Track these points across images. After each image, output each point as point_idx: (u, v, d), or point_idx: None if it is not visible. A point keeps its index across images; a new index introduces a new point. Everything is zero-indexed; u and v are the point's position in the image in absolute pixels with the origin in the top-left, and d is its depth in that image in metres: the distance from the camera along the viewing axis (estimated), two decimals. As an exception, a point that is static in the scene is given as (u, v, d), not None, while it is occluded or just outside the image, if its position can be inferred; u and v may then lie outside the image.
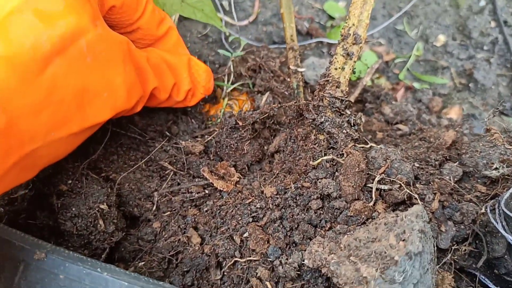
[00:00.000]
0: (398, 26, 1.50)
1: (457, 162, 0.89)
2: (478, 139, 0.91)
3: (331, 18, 1.47)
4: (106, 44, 0.71)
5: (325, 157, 0.85)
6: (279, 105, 0.99)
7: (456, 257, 0.85)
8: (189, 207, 0.95)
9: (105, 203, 0.86)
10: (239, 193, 0.93)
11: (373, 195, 0.80)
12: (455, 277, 0.86)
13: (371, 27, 1.49)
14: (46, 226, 0.83)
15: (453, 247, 0.84)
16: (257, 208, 0.86)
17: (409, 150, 0.98)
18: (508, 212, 0.77)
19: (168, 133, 1.09)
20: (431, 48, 1.47)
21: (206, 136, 1.07)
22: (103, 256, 0.85)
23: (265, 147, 1.06)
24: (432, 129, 1.10)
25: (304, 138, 0.97)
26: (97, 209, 0.85)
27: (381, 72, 1.42)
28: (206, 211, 0.93)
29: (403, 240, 0.67)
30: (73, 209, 0.83)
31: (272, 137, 1.07)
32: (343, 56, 0.91)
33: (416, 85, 1.38)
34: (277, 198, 0.86)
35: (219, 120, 1.13)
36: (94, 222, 0.84)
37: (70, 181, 0.87)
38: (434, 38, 1.47)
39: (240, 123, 0.99)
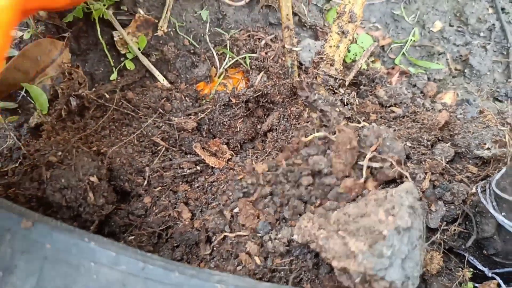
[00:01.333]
0: (395, 11, 1.49)
1: (449, 143, 0.89)
2: (471, 121, 0.91)
3: (329, 0, 1.46)
4: None
5: (317, 134, 0.85)
6: (272, 82, 0.99)
7: (445, 237, 0.86)
8: (180, 182, 0.95)
9: (95, 176, 0.86)
10: (231, 170, 0.93)
11: (364, 173, 0.80)
12: (444, 257, 0.87)
13: (368, 11, 1.48)
14: (35, 197, 0.82)
15: (442, 227, 0.85)
16: (248, 184, 0.86)
17: (401, 130, 0.97)
18: (498, 192, 0.77)
19: (161, 110, 1.08)
20: (428, 34, 1.46)
21: (199, 114, 1.06)
22: (91, 228, 0.84)
23: (258, 126, 1.05)
24: (426, 112, 1.10)
25: (297, 116, 0.97)
26: (87, 181, 0.84)
27: (377, 56, 1.41)
28: (198, 187, 0.93)
29: (392, 215, 0.67)
30: (63, 180, 0.82)
31: (265, 116, 1.07)
32: (338, 34, 0.90)
33: (411, 70, 1.37)
34: (268, 174, 0.86)
35: (211, 96, 1.12)
36: (84, 194, 0.84)
37: (60, 153, 0.86)
38: (431, 23, 1.47)
39: (234, 100, 0.99)
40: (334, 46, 0.90)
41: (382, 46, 1.44)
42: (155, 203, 0.92)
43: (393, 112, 1.11)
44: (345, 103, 0.91)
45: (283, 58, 1.09)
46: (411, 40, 1.44)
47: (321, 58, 0.90)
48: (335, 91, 0.91)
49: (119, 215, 0.92)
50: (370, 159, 0.82)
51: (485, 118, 0.88)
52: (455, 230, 0.84)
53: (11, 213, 0.71)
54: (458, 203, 0.84)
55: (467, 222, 0.86)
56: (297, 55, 1.07)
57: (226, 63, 1.15)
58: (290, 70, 1.03)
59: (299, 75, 1.08)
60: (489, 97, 1.32)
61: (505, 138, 0.83)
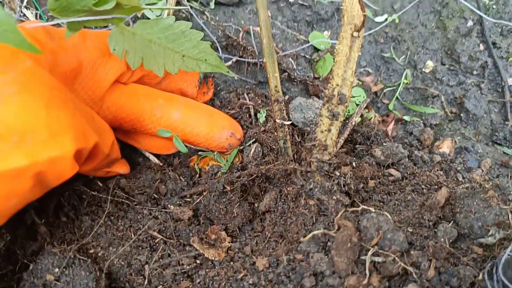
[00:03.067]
0: (385, 53, 1.47)
1: (452, 222, 0.87)
2: (472, 195, 0.89)
3: (317, 49, 1.43)
4: None
5: (315, 232, 0.83)
6: (266, 167, 0.97)
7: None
8: (181, 279, 0.93)
9: (94, 290, 0.84)
10: (231, 262, 0.91)
11: (367, 270, 0.78)
12: None
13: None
14: (34, 321, 0.81)
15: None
16: (249, 284, 0.84)
17: (402, 203, 0.95)
18: (506, 282, 0.75)
19: (156, 195, 1.06)
20: (420, 75, 1.44)
21: (195, 197, 1.04)
22: None
23: (256, 204, 1.04)
24: (425, 173, 1.08)
25: (294, 199, 0.95)
26: (86, 298, 0.83)
27: (371, 104, 1.39)
28: (199, 282, 0.91)
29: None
30: (61, 302, 0.80)
31: (262, 193, 1.05)
32: (329, 118, 0.88)
33: (406, 118, 1.35)
34: (269, 272, 0.84)
35: (206, 170, 1.10)
36: (84, 311, 0.82)
37: (57, 270, 0.84)
38: (423, 64, 1.44)
39: (228, 188, 0.97)
40: (325, 130, 0.88)
41: (375, 92, 1.42)
42: (158, 303, 0.90)
43: (391, 175, 1.09)
44: (343, 185, 0.89)
45: (275, 133, 1.07)
46: (404, 83, 1.42)
47: (314, 145, 0.88)
48: (331, 175, 0.89)
49: (122, 319, 0.91)
50: (373, 254, 0.80)
51: (486, 195, 0.86)
52: (464, 314, 0.82)
53: None
54: (465, 287, 0.82)
55: (476, 301, 0.84)
56: (289, 129, 1.05)
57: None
58: (283, 148, 1.01)
59: (292, 145, 1.06)
60: (488, 142, 1.29)
61: (508, 219, 0.81)
